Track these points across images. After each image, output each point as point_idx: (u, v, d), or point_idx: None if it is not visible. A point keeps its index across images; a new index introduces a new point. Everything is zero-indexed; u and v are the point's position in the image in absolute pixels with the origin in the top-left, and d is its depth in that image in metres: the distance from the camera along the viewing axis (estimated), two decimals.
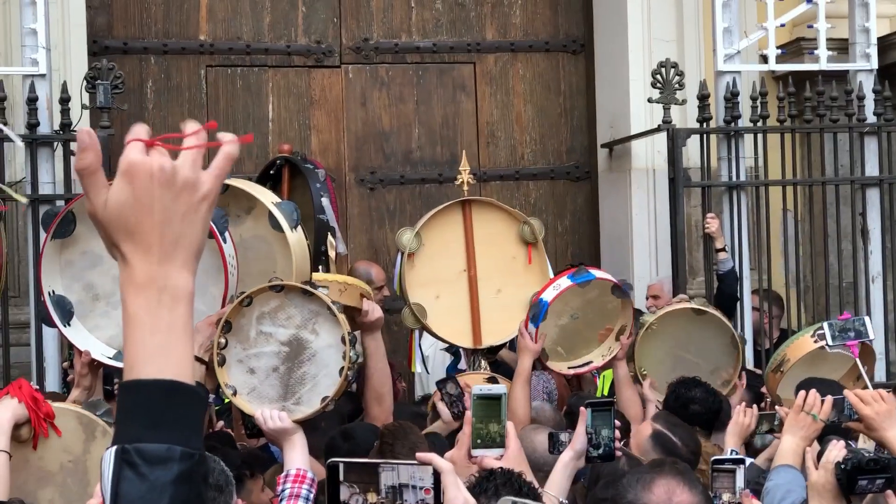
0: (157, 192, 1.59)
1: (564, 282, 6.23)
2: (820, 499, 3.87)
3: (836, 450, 3.93)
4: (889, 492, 3.89)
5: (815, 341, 6.05)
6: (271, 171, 7.25)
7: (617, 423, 4.13)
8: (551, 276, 6.72)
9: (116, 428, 1.59)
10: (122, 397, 1.59)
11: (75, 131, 7.06)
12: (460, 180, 6.82)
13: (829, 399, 4.49)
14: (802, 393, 4.59)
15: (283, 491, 4.22)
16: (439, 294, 6.68)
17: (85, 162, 1.60)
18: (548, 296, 6.19)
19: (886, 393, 4.55)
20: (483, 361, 6.73)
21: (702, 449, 5.05)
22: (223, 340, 4.66)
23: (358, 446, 4.81)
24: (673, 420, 5.08)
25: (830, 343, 5.91)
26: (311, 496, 4.23)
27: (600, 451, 3.97)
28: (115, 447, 1.55)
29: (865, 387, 6.00)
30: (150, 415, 1.56)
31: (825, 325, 5.93)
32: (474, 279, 6.70)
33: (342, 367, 4.62)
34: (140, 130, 1.62)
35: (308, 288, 4.67)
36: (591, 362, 6.35)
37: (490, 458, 3.31)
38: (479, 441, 3.32)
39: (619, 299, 6.27)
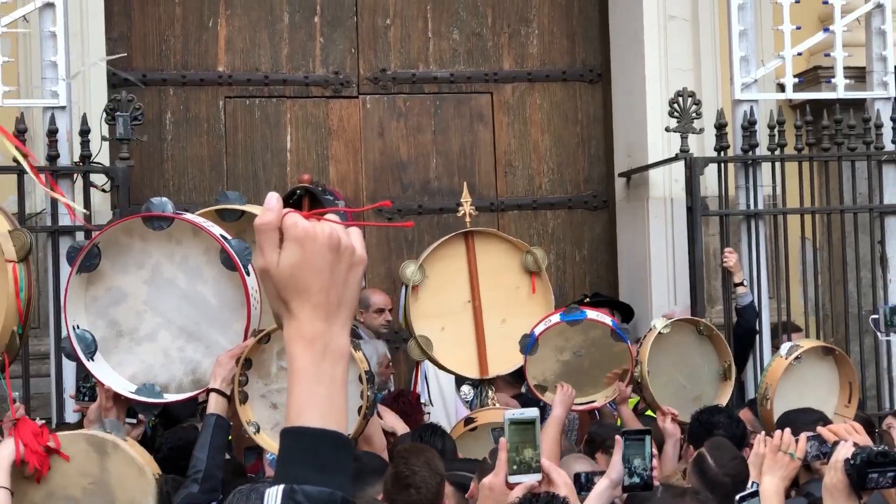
0: (327, 256, 1.76)
1: (555, 318, 6.32)
2: (833, 500, 3.86)
3: (845, 449, 3.94)
4: (892, 490, 3.92)
5: (786, 358, 6.18)
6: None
7: (655, 452, 4.13)
8: (554, 305, 6.79)
9: (280, 468, 1.74)
10: (288, 441, 1.75)
11: (95, 163, 7.11)
12: (462, 212, 6.83)
13: (802, 437, 4.54)
14: (778, 433, 4.62)
15: None
16: (444, 325, 6.70)
17: (266, 219, 1.76)
18: (537, 329, 6.28)
19: (859, 425, 4.62)
20: (490, 392, 6.75)
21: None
22: (243, 378, 4.68)
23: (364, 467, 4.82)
24: (720, 445, 5.03)
25: (882, 330, 5.92)
26: None
27: (633, 479, 3.97)
28: (281, 486, 1.70)
29: (856, 409, 6.14)
30: (315, 460, 1.72)
31: (880, 308, 5.94)
32: (479, 310, 6.72)
33: (360, 407, 4.63)
34: (273, 199, 1.79)
35: None
36: (593, 401, 6.40)
37: (528, 483, 3.31)
38: (514, 468, 3.32)
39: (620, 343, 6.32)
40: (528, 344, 6.22)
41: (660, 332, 6.40)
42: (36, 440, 4.03)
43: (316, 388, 1.75)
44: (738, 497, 4.20)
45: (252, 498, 3.73)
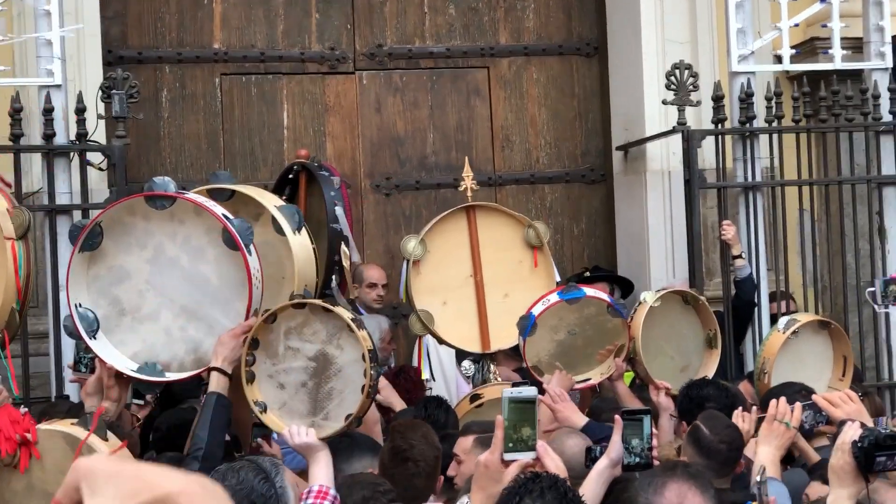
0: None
1: (553, 297, 6.26)
2: (840, 481, 3.85)
3: (852, 430, 3.93)
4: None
5: (783, 332, 6.20)
6: (290, 177, 7.28)
7: (655, 431, 4.14)
8: (557, 278, 6.77)
9: None
10: None
11: (91, 141, 7.09)
12: (463, 186, 6.82)
13: (797, 406, 4.57)
14: (773, 402, 4.65)
15: None
16: (446, 300, 6.71)
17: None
18: (536, 310, 6.23)
19: (854, 393, 4.65)
20: (492, 366, 6.75)
21: None
22: (250, 357, 4.68)
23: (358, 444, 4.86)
24: (713, 415, 5.05)
25: (879, 303, 5.91)
26: None
27: (632, 459, 3.99)
28: None
29: (851, 382, 6.18)
30: None
31: (876, 281, 5.96)
32: (481, 284, 6.72)
33: (363, 385, 4.63)
34: None
35: (327, 305, 4.70)
36: (588, 379, 6.36)
37: (522, 462, 3.31)
38: (510, 445, 3.32)
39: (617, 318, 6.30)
40: (528, 326, 6.18)
41: (651, 306, 6.38)
42: (13, 427, 4.04)
43: None
44: (756, 481, 4.20)
45: (228, 477, 3.74)
